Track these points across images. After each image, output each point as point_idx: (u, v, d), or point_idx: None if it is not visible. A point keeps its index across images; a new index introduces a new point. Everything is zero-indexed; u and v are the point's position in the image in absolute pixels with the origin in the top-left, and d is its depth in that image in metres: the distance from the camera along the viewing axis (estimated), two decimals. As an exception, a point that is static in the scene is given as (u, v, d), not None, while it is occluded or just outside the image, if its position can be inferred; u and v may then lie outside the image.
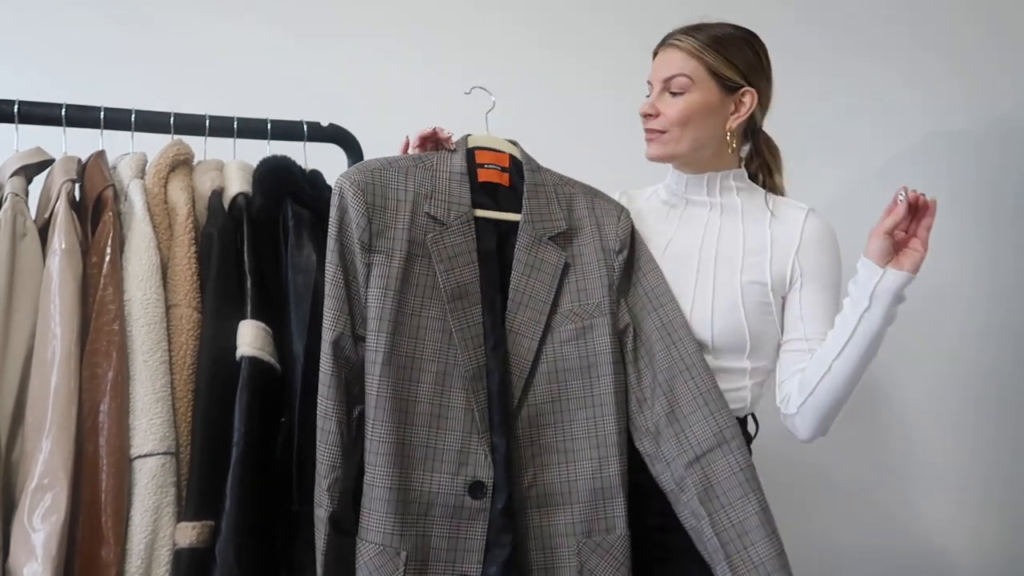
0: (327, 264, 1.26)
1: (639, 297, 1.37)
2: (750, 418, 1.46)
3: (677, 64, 1.40)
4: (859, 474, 2.21)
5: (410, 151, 1.41)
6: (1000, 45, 2.23)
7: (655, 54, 1.47)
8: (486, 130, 1.41)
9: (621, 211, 1.42)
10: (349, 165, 1.59)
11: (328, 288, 1.25)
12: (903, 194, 1.27)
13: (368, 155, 1.59)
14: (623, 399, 1.33)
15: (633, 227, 1.42)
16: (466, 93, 1.40)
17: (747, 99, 1.42)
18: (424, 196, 1.31)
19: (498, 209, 1.36)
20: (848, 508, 2.21)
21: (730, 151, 1.45)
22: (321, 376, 1.25)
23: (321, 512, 1.23)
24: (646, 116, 1.44)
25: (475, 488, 1.24)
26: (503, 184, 1.38)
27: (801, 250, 1.41)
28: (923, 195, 1.27)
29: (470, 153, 1.37)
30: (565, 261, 1.34)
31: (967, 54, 2.23)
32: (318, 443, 1.24)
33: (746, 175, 1.50)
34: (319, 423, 1.25)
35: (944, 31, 2.23)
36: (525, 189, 1.36)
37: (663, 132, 1.42)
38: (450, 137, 1.39)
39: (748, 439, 1.43)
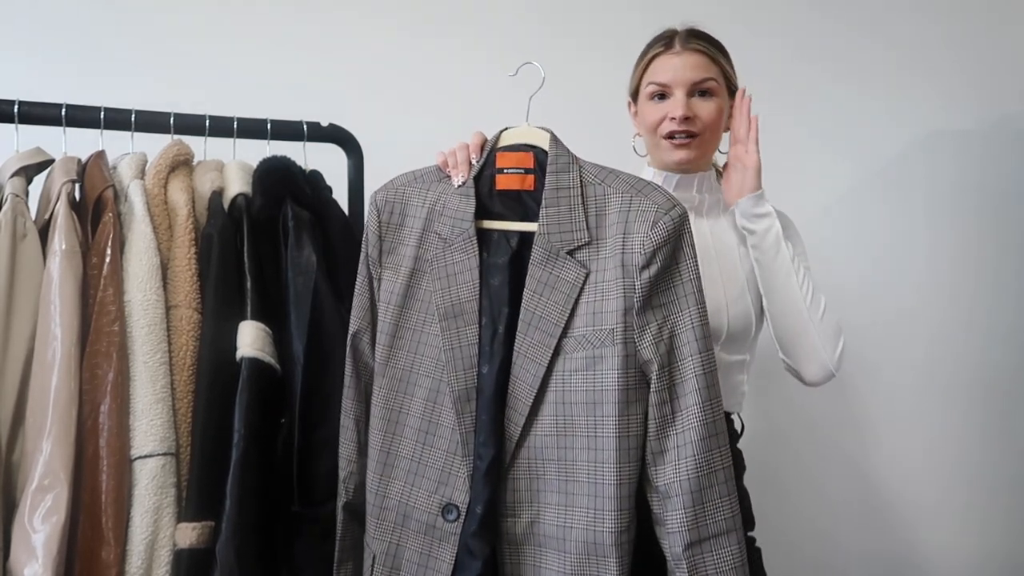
0: (358, 273, 1.31)
1: (681, 331, 1.17)
2: (737, 415, 1.47)
3: (705, 68, 1.43)
4: (857, 479, 2.22)
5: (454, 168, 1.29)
6: (1009, 43, 2.22)
7: (654, 56, 1.46)
8: (526, 117, 1.29)
9: (663, 215, 1.16)
10: (349, 165, 1.59)
11: (355, 294, 1.31)
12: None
13: (368, 155, 1.60)
14: (628, 446, 1.15)
15: (678, 237, 1.17)
16: (511, 75, 1.31)
17: (736, 101, 1.49)
18: (437, 213, 1.26)
19: (520, 218, 1.24)
20: (849, 514, 2.21)
21: (717, 151, 1.51)
22: (346, 376, 1.32)
23: (340, 502, 1.32)
24: (684, 119, 1.40)
25: (448, 510, 1.20)
26: (527, 189, 1.24)
27: None
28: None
29: (491, 157, 1.26)
30: (584, 278, 1.18)
31: (975, 51, 2.22)
32: (340, 438, 1.32)
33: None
34: (341, 419, 1.32)
35: (952, 27, 2.22)
36: (544, 195, 1.21)
37: (697, 135, 1.42)
38: (482, 143, 1.29)
39: (735, 436, 1.45)
